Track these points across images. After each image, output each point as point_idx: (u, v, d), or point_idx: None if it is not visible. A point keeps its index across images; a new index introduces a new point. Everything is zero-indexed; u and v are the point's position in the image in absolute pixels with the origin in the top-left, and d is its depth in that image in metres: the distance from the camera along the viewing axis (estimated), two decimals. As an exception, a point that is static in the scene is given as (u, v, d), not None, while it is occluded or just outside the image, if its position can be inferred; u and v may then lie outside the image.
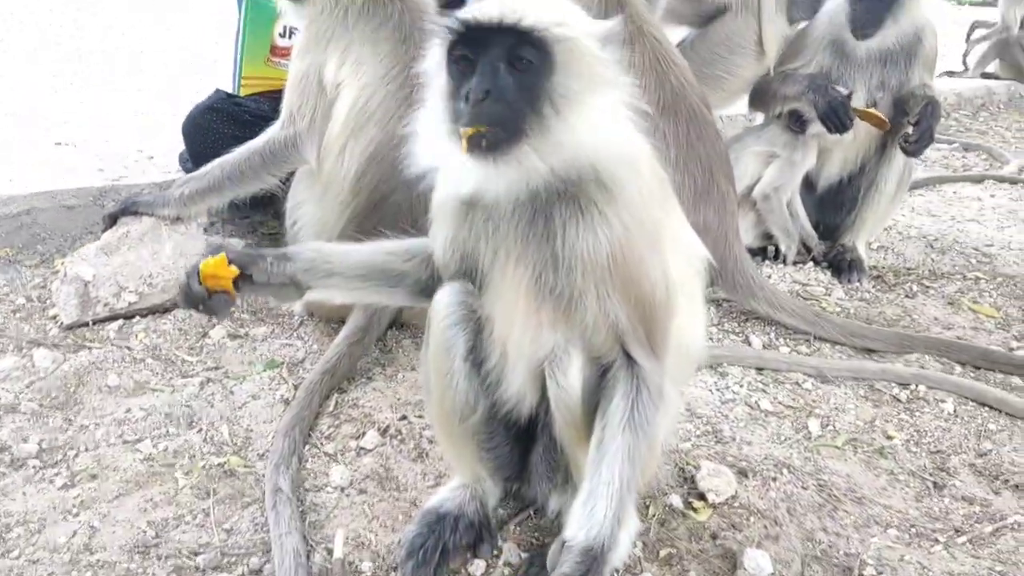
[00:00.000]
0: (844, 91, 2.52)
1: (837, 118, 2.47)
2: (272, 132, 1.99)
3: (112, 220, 2.04)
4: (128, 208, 2.03)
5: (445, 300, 1.25)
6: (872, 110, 2.53)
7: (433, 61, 1.16)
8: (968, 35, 7.13)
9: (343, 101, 1.87)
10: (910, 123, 2.52)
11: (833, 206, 2.81)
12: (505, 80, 1.07)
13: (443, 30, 1.11)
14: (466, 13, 1.10)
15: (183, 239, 2.06)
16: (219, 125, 2.45)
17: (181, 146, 2.65)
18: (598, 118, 1.10)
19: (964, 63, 7.19)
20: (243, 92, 2.56)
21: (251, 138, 2.04)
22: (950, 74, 7.07)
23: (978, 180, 3.75)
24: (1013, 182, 3.74)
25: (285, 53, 2.51)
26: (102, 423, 1.67)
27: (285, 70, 2.20)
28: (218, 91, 2.62)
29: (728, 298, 2.30)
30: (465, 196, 1.16)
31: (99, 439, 1.63)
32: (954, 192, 3.59)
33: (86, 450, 1.60)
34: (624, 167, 1.14)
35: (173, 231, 2.05)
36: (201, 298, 1.24)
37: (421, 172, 1.20)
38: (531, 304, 1.17)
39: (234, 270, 1.24)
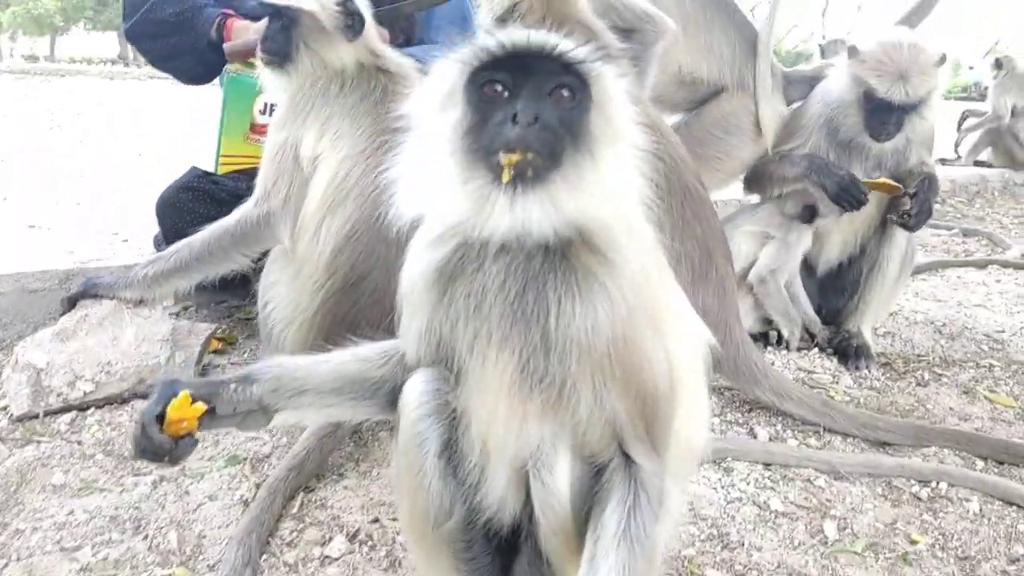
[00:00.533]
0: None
1: (851, 196, 2.38)
2: (244, 209, 1.88)
3: (71, 303, 1.91)
4: (88, 290, 1.90)
5: (417, 389, 1.10)
6: (881, 179, 2.45)
7: (440, 92, 1.01)
8: (960, 124, 7.19)
9: (320, 176, 1.77)
10: (908, 195, 2.44)
11: (834, 290, 2.70)
12: (549, 109, 0.95)
13: (475, 54, 0.98)
14: (505, 39, 0.98)
15: (146, 323, 1.92)
16: (194, 204, 2.35)
17: (156, 228, 2.54)
18: (620, 167, 0.98)
19: (956, 151, 7.24)
20: (221, 170, 2.47)
21: (229, 218, 1.93)
22: (943, 162, 7.10)
23: (982, 265, 3.66)
24: (1018, 267, 3.65)
25: (265, 130, 2.42)
26: (40, 527, 1.50)
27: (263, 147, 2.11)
28: (194, 168, 2.53)
29: (730, 386, 2.15)
30: (492, 237, 0.98)
31: (34, 546, 1.45)
32: (958, 277, 3.49)
33: (18, 559, 1.42)
34: (629, 231, 1.01)
35: (136, 315, 1.92)
36: (166, 449, 1.07)
37: (408, 223, 1.05)
38: (516, 395, 1.02)
39: (200, 407, 1.08)
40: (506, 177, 0.93)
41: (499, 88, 0.97)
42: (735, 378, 2.09)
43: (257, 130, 2.46)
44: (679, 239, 1.88)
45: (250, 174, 2.21)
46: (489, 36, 0.98)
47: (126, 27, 2.49)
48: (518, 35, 0.97)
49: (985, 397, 2.30)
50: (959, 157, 6.94)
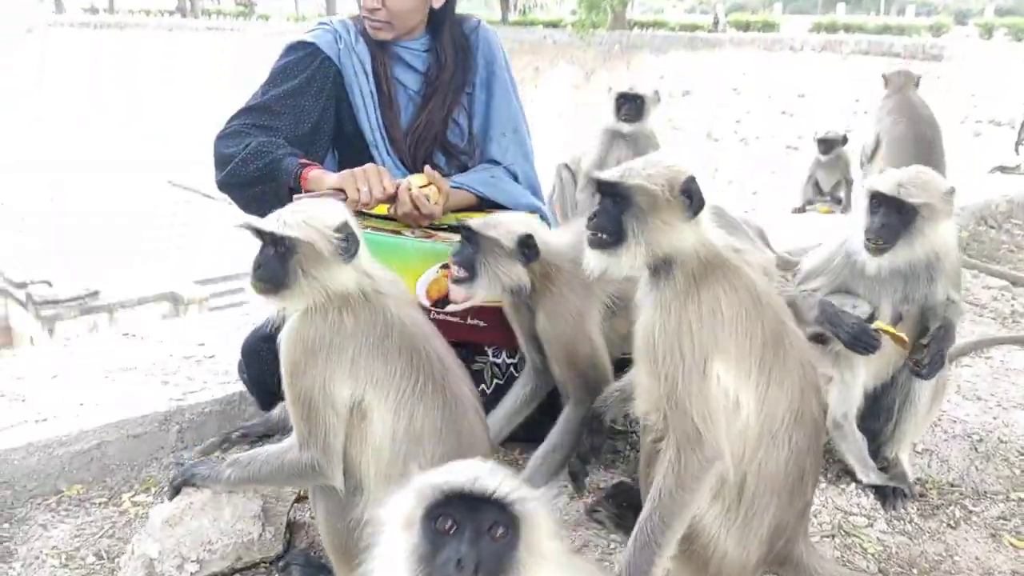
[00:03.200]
0: (866, 308, 2.55)
1: (862, 343, 2.50)
2: (291, 454, 1.95)
3: (175, 491, 2.16)
4: (188, 480, 2.14)
5: None
6: (890, 328, 2.54)
7: (403, 514, 1.24)
8: (1022, 128, 7.05)
9: (378, 428, 1.88)
10: (922, 345, 2.55)
11: (871, 414, 2.82)
12: (487, 546, 1.20)
13: (429, 492, 1.22)
14: (453, 480, 1.23)
15: (241, 502, 2.17)
16: (272, 357, 2.56)
17: (239, 341, 2.78)
18: None
19: (1017, 150, 7.09)
20: None
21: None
22: (1002, 170, 7.01)
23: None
24: None
25: None
26: None
27: None
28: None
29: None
30: None
31: None
32: (1002, 360, 3.56)
33: None
34: None
35: (232, 496, 2.16)
36: None
37: None
38: None
39: None
40: None
41: (448, 524, 1.21)
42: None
43: None
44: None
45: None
46: (439, 476, 1.24)
47: (217, 179, 2.68)
48: (464, 476, 1.21)
49: (1010, 543, 2.44)
50: (1020, 165, 6.82)
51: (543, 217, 2.93)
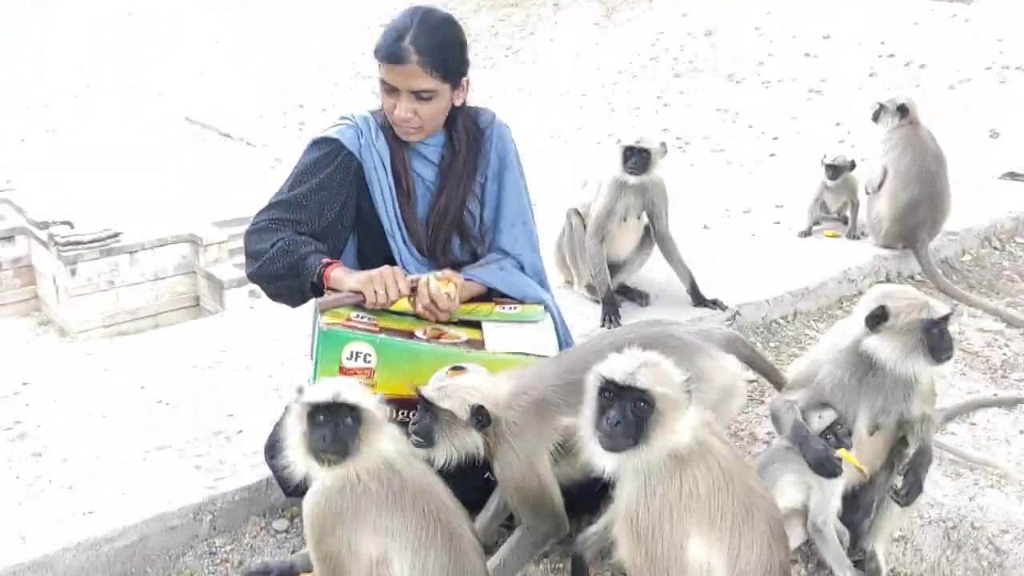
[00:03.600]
0: (831, 415, 2.72)
1: (825, 469, 2.70)
2: None
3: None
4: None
5: None
6: (852, 459, 2.72)
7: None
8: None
9: (396, 573, 2.09)
10: (899, 474, 2.74)
11: (850, 506, 3.00)
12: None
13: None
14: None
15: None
16: None
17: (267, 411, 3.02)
18: None
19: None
20: None
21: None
22: (1012, 176, 7.06)
23: (1011, 405, 3.88)
24: None
25: (353, 372, 2.82)
26: None
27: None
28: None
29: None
30: None
31: None
32: (986, 427, 3.73)
33: None
34: None
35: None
36: None
37: None
38: None
39: None
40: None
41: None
42: None
43: (344, 371, 2.84)
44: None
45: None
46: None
47: (248, 272, 2.94)
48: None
49: (969, 649, 2.67)
50: (1032, 170, 6.84)
51: (547, 308, 3.11)
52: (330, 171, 2.98)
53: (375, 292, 2.74)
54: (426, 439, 2.44)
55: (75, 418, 3.36)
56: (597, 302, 4.31)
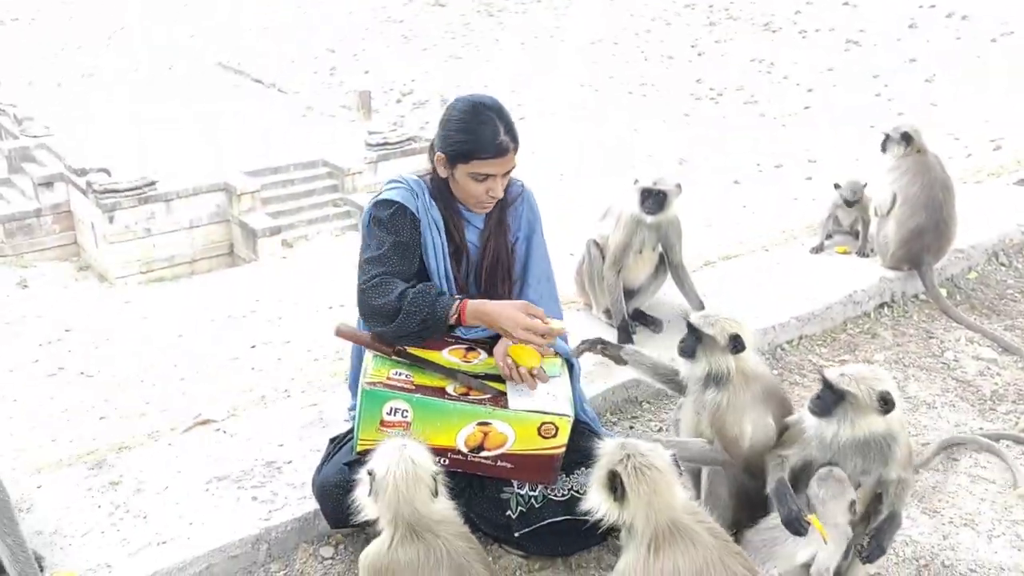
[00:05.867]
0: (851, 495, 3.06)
1: (793, 528, 3.06)
2: None
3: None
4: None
5: None
6: (819, 525, 3.02)
7: None
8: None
9: None
10: (866, 535, 3.08)
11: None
12: None
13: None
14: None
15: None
16: (343, 494, 3.14)
17: (310, 440, 3.43)
18: None
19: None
20: (359, 449, 3.26)
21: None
22: (1021, 183, 7.17)
23: (994, 440, 4.16)
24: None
25: (391, 425, 3.18)
26: None
27: (393, 435, 2.93)
28: (335, 445, 3.35)
29: None
30: None
31: None
32: (969, 466, 4.02)
33: None
34: None
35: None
36: None
37: None
38: None
39: None
40: None
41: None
42: None
43: (384, 424, 3.21)
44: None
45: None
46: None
47: (387, 333, 3.15)
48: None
49: None
50: (1042, 178, 6.95)
51: (566, 359, 3.45)
52: (401, 226, 3.26)
53: (523, 331, 3.05)
54: (690, 355, 3.17)
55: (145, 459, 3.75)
56: (613, 326, 4.65)
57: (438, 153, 3.21)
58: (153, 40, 27.58)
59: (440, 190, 3.31)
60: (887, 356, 4.84)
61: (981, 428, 4.27)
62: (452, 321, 3.10)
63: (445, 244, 3.32)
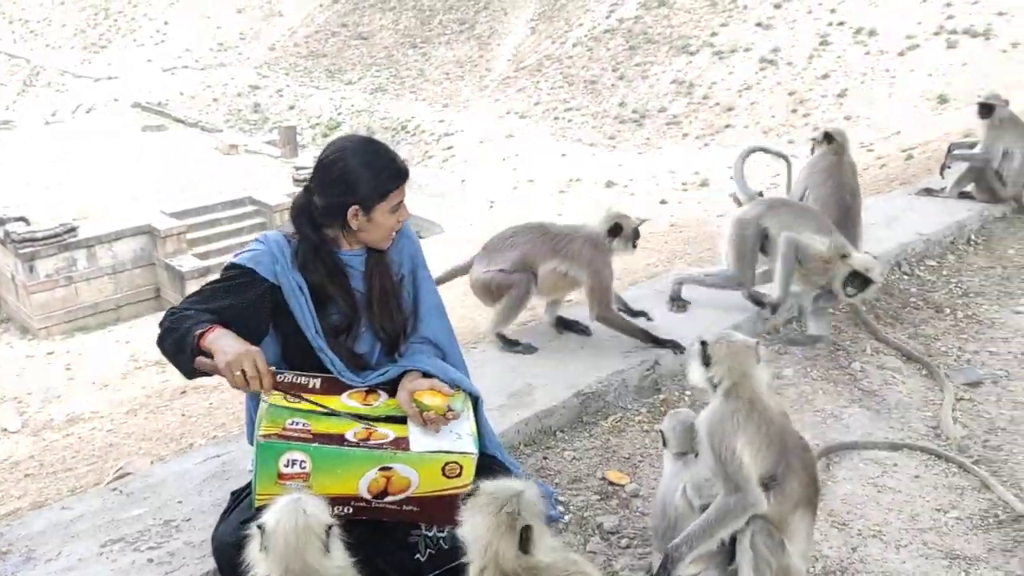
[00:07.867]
0: None
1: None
2: None
3: None
4: None
5: None
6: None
7: None
8: (947, 152, 7.35)
9: None
10: None
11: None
12: None
13: None
14: None
15: None
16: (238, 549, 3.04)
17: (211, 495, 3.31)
18: None
19: (942, 173, 7.43)
20: (257, 503, 3.15)
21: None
22: (928, 192, 7.41)
23: (895, 448, 4.25)
24: (945, 459, 4.17)
25: (290, 477, 3.08)
26: None
27: (291, 488, 2.84)
28: (234, 497, 3.24)
29: None
30: None
31: None
32: (877, 475, 4.10)
33: None
34: None
35: None
36: None
37: None
38: None
39: None
40: None
41: None
42: None
43: (283, 477, 3.11)
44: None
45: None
46: None
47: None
48: None
49: None
50: (944, 188, 7.20)
51: (467, 391, 3.39)
52: (245, 295, 3.12)
53: (233, 376, 2.89)
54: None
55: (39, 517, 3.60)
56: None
57: (351, 209, 3.10)
58: (70, 83, 26.97)
59: (316, 252, 3.19)
60: (796, 371, 4.92)
61: (886, 437, 4.36)
62: (197, 343, 2.88)
63: (310, 307, 3.18)
